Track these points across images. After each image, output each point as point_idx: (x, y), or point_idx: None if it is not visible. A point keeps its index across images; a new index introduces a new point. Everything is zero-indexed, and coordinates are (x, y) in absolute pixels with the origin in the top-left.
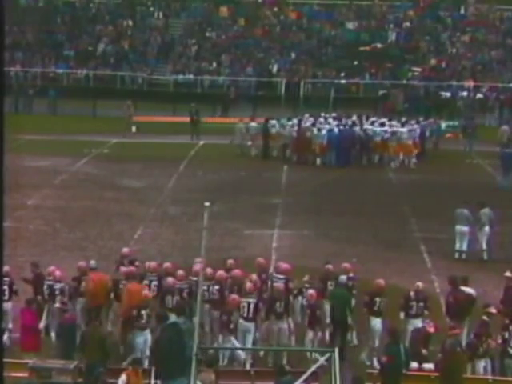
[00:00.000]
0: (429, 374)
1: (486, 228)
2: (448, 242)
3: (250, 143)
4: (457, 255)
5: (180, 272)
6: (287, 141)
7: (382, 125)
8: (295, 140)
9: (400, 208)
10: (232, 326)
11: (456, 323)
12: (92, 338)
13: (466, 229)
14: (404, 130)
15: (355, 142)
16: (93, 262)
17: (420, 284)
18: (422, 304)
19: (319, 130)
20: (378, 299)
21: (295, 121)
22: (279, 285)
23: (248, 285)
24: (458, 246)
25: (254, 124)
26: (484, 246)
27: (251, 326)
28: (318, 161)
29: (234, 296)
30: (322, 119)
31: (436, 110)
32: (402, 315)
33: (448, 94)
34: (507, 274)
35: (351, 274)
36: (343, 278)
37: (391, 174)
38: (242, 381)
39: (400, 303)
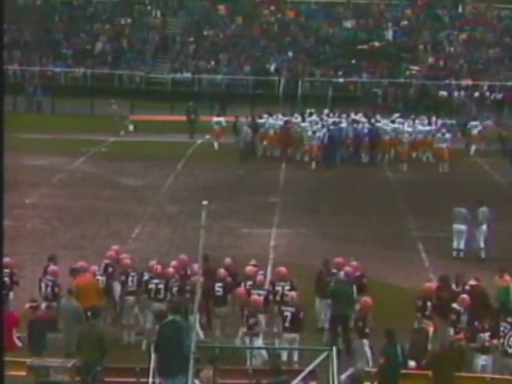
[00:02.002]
0: (427, 372)
1: (484, 226)
2: (446, 241)
3: (207, 136)
4: (454, 254)
5: (171, 270)
6: (249, 139)
7: (393, 122)
8: (279, 137)
9: (398, 206)
10: (367, 331)
11: (441, 320)
12: (89, 337)
13: (463, 227)
14: (412, 129)
15: (350, 140)
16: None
17: (465, 297)
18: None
19: (314, 132)
20: (429, 303)
21: (271, 120)
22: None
23: (259, 277)
24: (455, 244)
25: (217, 119)
26: (481, 245)
27: (262, 317)
28: (313, 164)
29: (367, 298)
30: (305, 117)
31: (434, 108)
32: (451, 331)
33: (445, 93)
34: (472, 282)
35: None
36: (342, 273)
37: (389, 172)
38: (241, 379)
39: (451, 319)
